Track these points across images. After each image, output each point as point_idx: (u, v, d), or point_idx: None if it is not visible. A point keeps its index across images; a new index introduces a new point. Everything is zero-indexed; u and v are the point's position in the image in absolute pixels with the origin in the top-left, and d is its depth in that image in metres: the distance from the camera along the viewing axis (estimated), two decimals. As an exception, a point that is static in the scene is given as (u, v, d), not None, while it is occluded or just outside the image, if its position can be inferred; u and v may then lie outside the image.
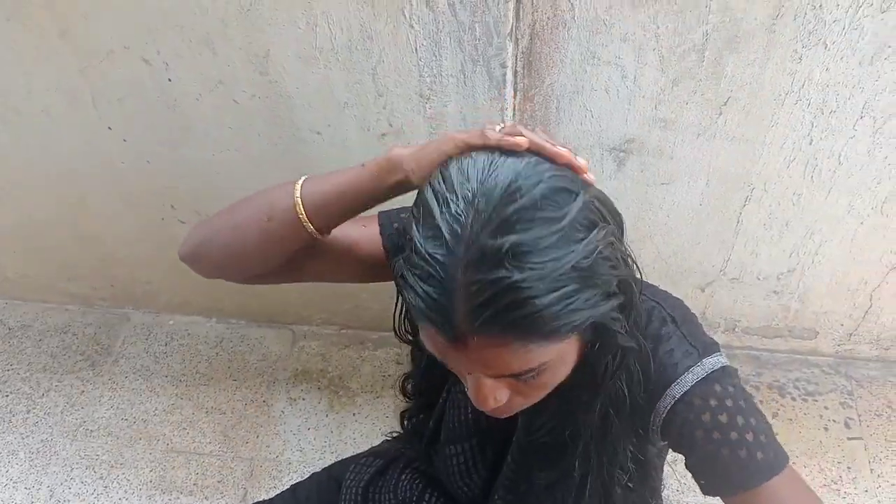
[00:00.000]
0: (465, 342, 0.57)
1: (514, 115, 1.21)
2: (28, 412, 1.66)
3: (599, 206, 0.62)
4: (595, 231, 0.58)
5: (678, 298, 0.78)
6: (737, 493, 0.66)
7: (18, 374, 1.74)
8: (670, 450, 0.80)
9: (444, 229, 0.57)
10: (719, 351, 0.72)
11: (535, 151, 0.61)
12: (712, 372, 0.69)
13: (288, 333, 1.79)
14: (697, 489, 0.70)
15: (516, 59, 1.14)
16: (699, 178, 1.28)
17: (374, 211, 0.79)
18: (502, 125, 0.64)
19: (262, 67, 1.18)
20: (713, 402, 0.68)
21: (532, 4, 1.07)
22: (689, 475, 0.71)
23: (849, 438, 1.54)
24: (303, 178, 0.73)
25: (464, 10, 1.06)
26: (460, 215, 0.57)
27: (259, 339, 1.78)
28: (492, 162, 0.60)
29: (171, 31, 1.16)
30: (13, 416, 1.66)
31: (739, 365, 1.65)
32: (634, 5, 1.05)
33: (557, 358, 0.62)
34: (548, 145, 0.61)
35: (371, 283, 0.87)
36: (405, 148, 0.69)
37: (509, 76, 1.14)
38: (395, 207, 0.84)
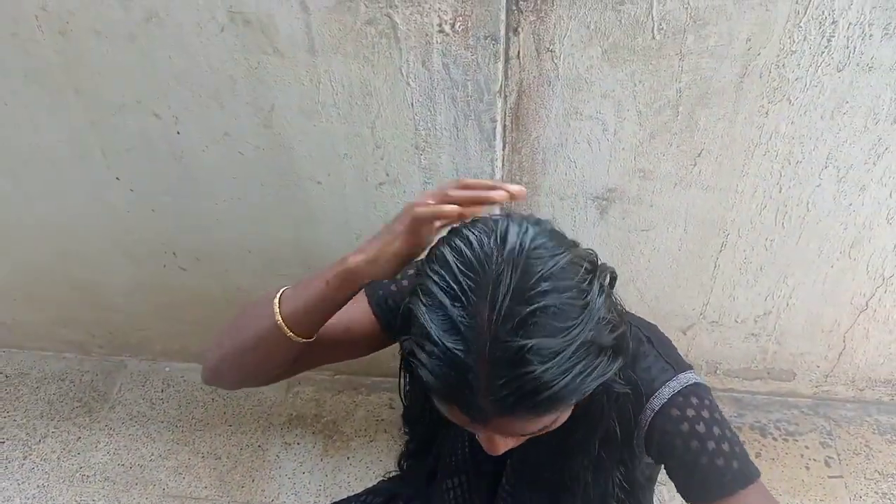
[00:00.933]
0: (487, 419, 0.61)
1: (503, 165, 1.28)
2: (24, 458, 1.67)
3: (594, 261, 0.65)
4: (596, 298, 0.62)
5: (653, 323, 0.84)
6: (715, 500, 0.70)
7: (15, 420, 1.75)
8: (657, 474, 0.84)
9: (460, 325, 0.59)
10: (692, 369, 0.78)
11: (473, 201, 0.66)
12: (687, 385, 0.75)
13: (282, 379, 1.82)
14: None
15: (505, 115, 1.21)
16: (677, 224, 1.35)
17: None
18: (430, 201, 0.67)
19: (267, 121, 1.25)
20: (690, 413, 0.73)
21: (519, 64, 1.15)
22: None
23: (829, 477, 1.58)
24: (278, 294, 0.76)
25: (457, 70, 1.13)
26: (472, 309, 0.59)
27: (254, 385, 1.81)
28: (489, 252, 0.61)
29: (182, 88, 1.22)
30: (9, 462, 1.66)
31: (722, 407, 1.68)
32: (613, 65, 1.13)
33: (565, 411, 0.67)
34: (480, 192, 0.65)
35: None
36: (357, 255, 0.70)
37: (499, 130, 1.21)
38: None
